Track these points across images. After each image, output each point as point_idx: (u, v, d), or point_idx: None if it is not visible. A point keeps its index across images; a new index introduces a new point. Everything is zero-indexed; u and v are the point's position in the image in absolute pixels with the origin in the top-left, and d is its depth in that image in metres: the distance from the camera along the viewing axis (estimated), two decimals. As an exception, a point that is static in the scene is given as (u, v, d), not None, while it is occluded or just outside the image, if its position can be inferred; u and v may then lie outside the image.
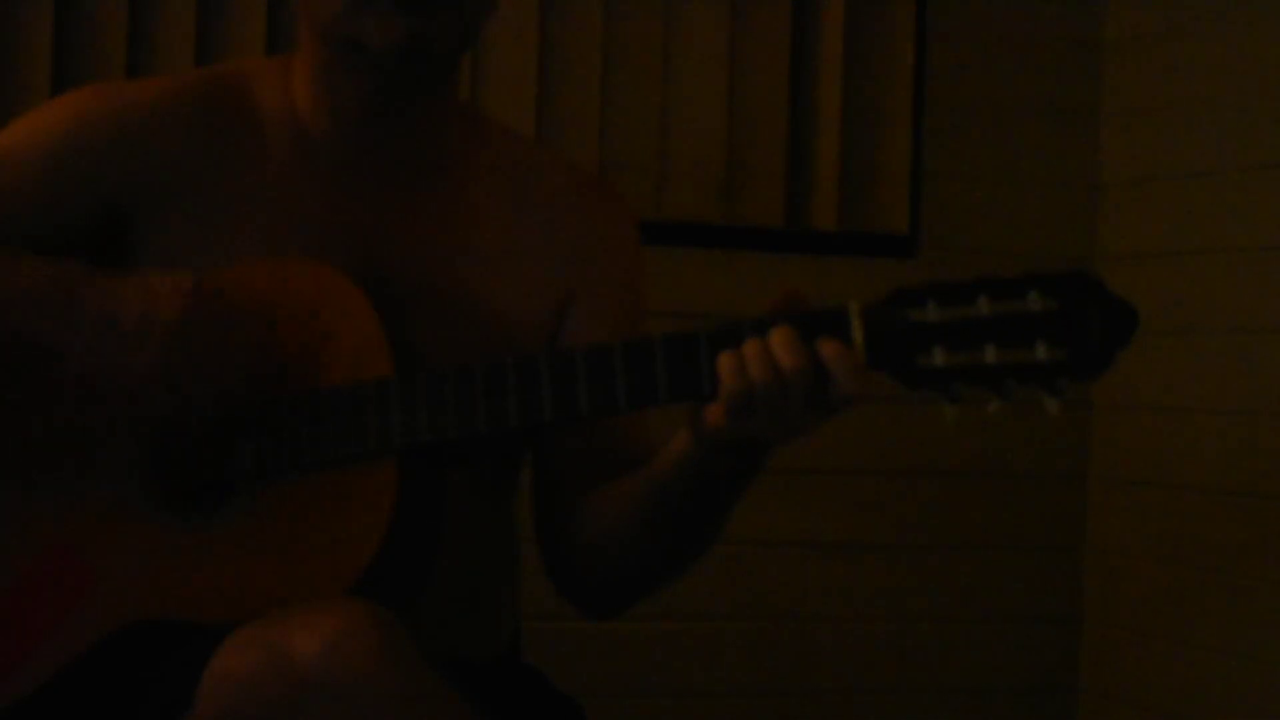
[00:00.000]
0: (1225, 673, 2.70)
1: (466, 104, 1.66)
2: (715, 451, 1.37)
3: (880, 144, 2.90)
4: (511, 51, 2.71)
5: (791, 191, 2.87)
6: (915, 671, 2.93)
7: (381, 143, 1.53)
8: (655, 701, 2.80)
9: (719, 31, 2.80)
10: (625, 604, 1.57)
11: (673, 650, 2.81)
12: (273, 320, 1.44)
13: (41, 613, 1.43)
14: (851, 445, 2.88)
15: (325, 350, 1.42)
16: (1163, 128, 2.86)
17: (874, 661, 2.91)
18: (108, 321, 1.39)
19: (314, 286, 1.44)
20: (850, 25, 2.86)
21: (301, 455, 1.40)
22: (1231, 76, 2.72)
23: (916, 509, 2.92)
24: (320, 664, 1.23)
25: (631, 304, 1.61)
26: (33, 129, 1.53)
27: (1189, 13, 2.81)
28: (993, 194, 2.96)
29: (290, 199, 1.51)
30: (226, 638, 1.29)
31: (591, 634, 2.69)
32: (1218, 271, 2.73)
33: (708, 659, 2.83)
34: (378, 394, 1.39)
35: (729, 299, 2.76)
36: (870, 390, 1.30)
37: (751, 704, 2.85)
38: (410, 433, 1.39)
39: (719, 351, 1.32)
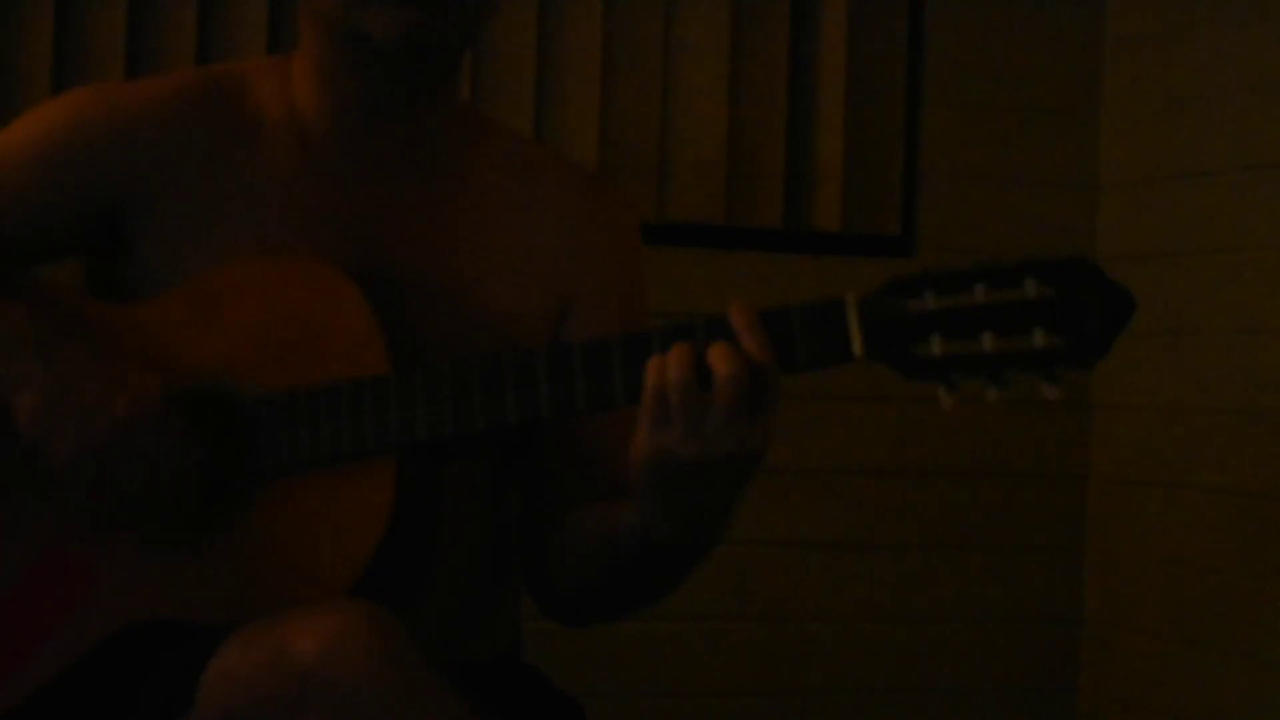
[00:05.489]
0: (1225, 672, 2.70)
1: (467, 104, 1.66)
2: (652, 509, 1.35)
3: (880, 144, 2.90)
4: (511, 51, 2.71)
5: (791, 192, 2.87)
6: (915, 671, 2.93)
7: (382, 140, 1.53)
8: (655, 701, 2.80)
9: (719, 32, 2.80)
10: (587, 624, 1.58)
11: (673, 650, 2.81)
12: (268, 318, 1.44)
13: (42, 614, 1.43)
14: (851, 445, 2.88)
15: (321, 348, 1.42)
16: (1163, 128, 2.86)
17: (874, 661, 2.91)
18: (62, 390, 1.39)
19: (309, 283, 1.44)
20: (850, 25, 2.86)
21: (299, 454, 1.40)
22: (1231, 76, 2.72)
23: (916, 509, 2.92)
24: (320, 664, 1.23)
25: (633, 303, 1.60)
26: (31, 128, 1.53)
27: (1189, 13, 2.81)
28: (992, 194, 2.96)
29: (289, 196, 1.51)
30: (227, 638, 1.29)
31: (591, 634, 2.67)
32: (1218, 271, 2.73)
33: (708, 659, 2.83)
34: (375, 392, 1.39)
35: (729, 299, 2.75)
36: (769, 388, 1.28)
37: (751, 704, 2.85)
38: (408, 431, 1.38)
39: (716, 342, 1.32)
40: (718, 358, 1.29)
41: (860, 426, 2.87)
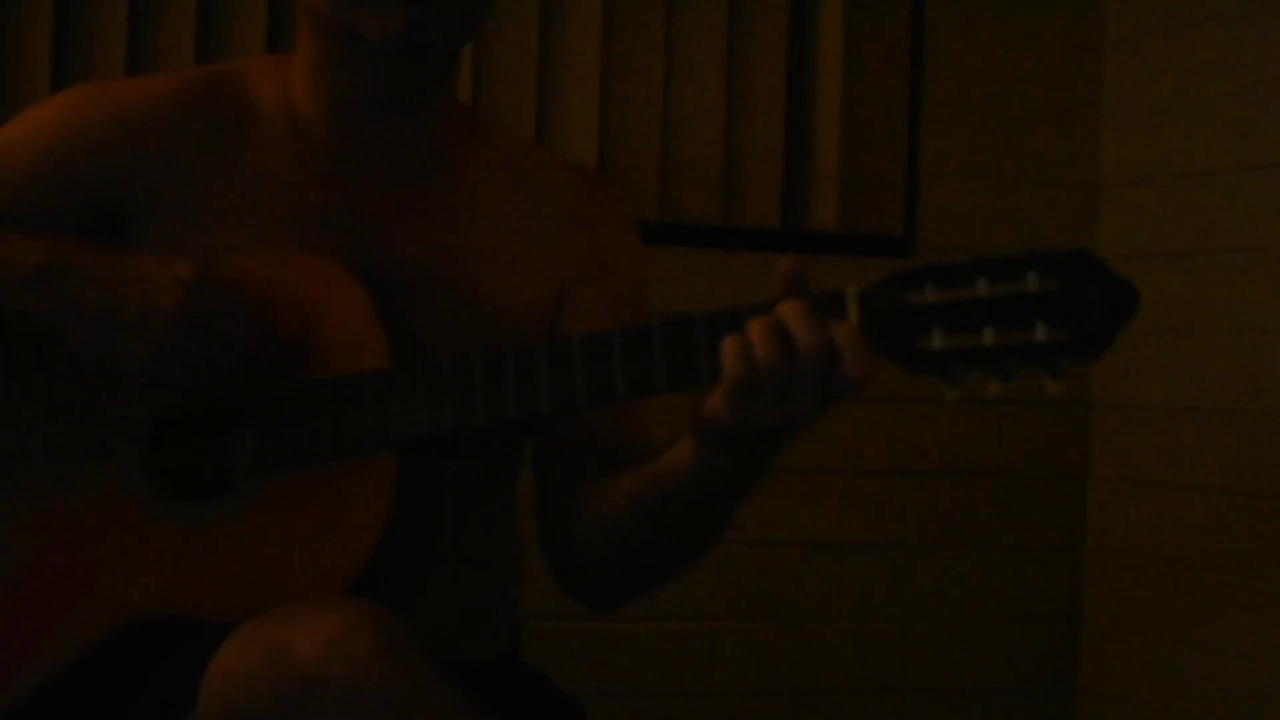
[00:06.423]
0: (1225, 673, 2.69)
1: (465, 105, 1.67)
2: (716, 452, 1.36)
3: (879, 144, 2.90)
4: (511, 51, 2.71)
5: (790, 192, 2.87)
6: (915, 671, 2.93)
7: (379, 137, 1.53)
8: (655, 701, 2.80)
9: (718, 32, 2.80)
10: (623, 600, 1.57)
11: (673, 650, 2.80)
12: (270, 313, 1.44)
13: (43, 611, 1.43)
14: (851, 445, 2.88)
15: (322, 343, 1.43)
16: (1163, 128, 2.86)
17: (874, 661, 2.91)
18: (109, 308, 1.39)
19: (310, 279, 1.45)
20: (849, 25, 2.86)
21: (300, 449, 1.41)
22: (1231, 76, 2.72)
23: (916, 509, 2.92)
24: (321, 663, 1.23)
25: (632, 296, 1.61)
26: (30, 126, 1.54)
27: (1189, 13, 2.81)
28: (992, 194, 2.96)
29: (288, 193, 1.52)
30: (227, 637, 1.29)
31: (591, 634, 2.68)
32: (1218, 271, 2.73)
33: (708, 659, 2.83)
34: (376, 387, 1.39)
35: (727, 299, 2.75)
36: (876, 376, 1.29)
37: (751, 704, 2.85)
38: (409, 425, 1.38)
39: (718, 336, 1.32)
40: (801, 327, 1.28)
41: (860, 426, 2.87)
